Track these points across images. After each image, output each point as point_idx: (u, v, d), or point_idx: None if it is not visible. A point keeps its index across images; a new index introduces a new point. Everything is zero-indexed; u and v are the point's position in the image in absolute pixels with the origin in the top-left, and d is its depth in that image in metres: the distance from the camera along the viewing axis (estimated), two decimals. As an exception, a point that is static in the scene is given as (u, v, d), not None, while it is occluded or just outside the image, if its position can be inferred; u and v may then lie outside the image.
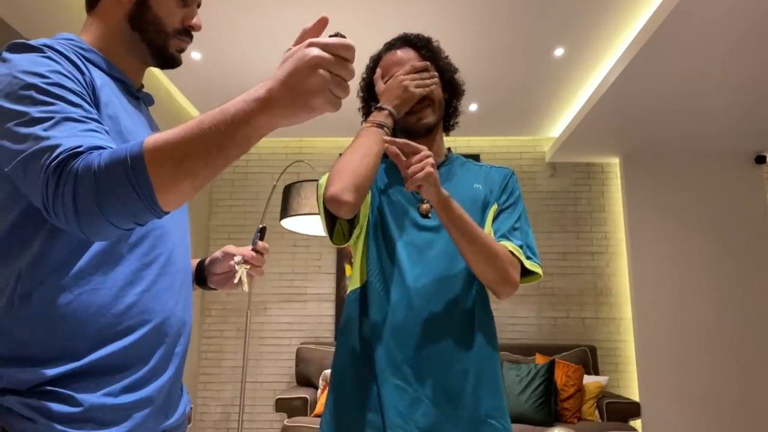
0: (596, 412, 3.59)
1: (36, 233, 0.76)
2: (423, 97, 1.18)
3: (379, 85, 1.21)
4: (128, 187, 0.65)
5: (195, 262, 1.14)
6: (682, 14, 2.49)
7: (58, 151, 0.66)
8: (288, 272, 4.43)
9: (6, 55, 0.77)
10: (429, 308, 1.11)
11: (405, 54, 1.22)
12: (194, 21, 0.96)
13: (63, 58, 0.78)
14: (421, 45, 1.23)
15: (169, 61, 0.95)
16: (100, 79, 0.84)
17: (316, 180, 2.95)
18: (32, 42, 0.78)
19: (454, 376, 1.09)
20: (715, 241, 4.12)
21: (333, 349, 3.96)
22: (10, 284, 0.75)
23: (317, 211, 2.83)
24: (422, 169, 1.00)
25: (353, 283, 1.21)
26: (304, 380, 3.91)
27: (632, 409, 3.52)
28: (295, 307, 4.38)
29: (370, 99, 1.27)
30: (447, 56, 1.28)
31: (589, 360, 3.93)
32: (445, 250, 1.15)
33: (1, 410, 0.71)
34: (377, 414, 1.07)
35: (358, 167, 1.05)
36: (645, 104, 3.44)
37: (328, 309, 4.37)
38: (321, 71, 0.65)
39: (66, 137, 0.68)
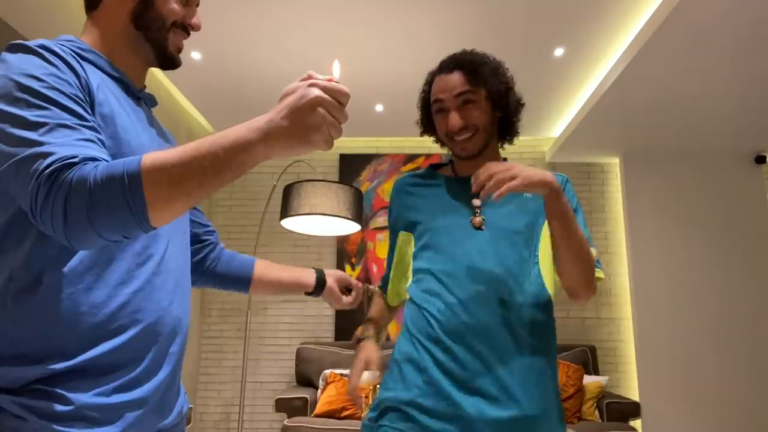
0: (596, 412, 3.59)
1: (28, 233, 0.76)
2: (463, 127, 1.23)
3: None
4: (122, 203, 0.66)
5: (307, 272, 1.30)
6: (682, 14, 2.49)
7: (52, 158, 0.67)
8: (288, 272, 4.42)
9: (4, 55, 0.77)
10: (485, 309, 1.15)
11: (452, 80, 1.24)
12: (194, 20, 0.97)
13: (59, 60, 0.79)
14: (472, 69, 1.24)
15: (169, 60, 0.96)
16: (97, 78, 0.84)
17: (316, 180, 2.95)
18: (29, 43, 0.78)
19: (509, 374, 1.12)
20: (715, 241, 4.12)
21: (333, 349, 3.98)
22: (2, 283, 0.76)
23: (317, 212, 2.83)
24: (509, 177, 1.03)
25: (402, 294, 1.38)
26: (304, 380, 3.91)
27: (632, 409, 3.52)
28: (295, 307, 4.38)
29: (426, 114, 1.34)
30: (502, 72, 1.28)
31: (589, 360, 3.93)
32: (499, 252, 1.20)
33: None
34: (428, 398, 1.12)
35: None
36: (645, 104, 3.43)
37: (328, 309, 4.36)
38: (321, 110, 0.69)
39: (60, 145, 0.69)
